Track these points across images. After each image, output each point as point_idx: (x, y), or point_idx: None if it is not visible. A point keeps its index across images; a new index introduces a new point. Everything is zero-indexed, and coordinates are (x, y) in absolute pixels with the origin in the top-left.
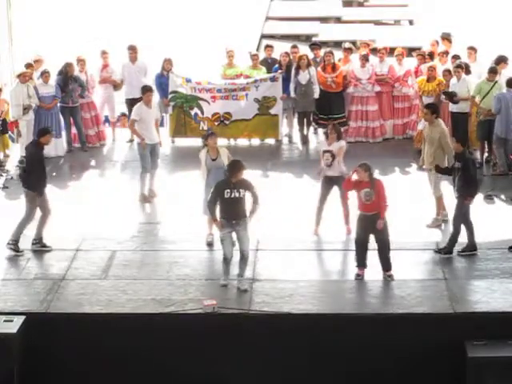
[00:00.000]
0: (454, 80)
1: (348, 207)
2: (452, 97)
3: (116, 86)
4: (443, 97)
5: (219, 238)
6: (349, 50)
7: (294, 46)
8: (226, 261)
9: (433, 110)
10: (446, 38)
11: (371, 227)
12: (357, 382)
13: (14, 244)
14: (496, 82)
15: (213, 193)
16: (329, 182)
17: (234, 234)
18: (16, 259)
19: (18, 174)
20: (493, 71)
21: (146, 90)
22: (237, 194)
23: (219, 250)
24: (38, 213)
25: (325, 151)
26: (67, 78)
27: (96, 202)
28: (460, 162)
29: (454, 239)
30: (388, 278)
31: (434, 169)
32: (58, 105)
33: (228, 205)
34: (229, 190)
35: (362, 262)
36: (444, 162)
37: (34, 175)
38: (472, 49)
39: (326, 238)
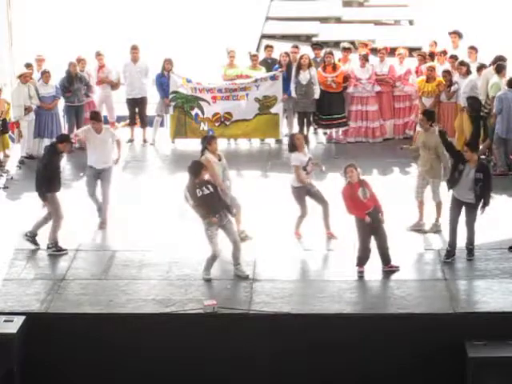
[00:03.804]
0: (458, 77)
1: (328, 211)
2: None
3: (113, 86)
4: (443, 96)
5: (207, 237)
6: (348, 50)
7: (295, 46)
8: (215, 258)
9: (428, 116)
10: (457, 34)
11: (371, 224)
12: (357, 382)
13: (55, 245)
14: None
15: (188, 197)
16: (305, 192)
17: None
18: (17, 260)
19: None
20: (503, 68)
21: (91, 117)
22: (207, 191)
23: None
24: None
25: (308, 161)
26: (72, 77)
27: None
28: (481, 172)
29: (473, 240)
30: (395, 269)
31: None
32: (63, 104)
33: (204, 202)
34: (199, 189)
35: (364, 261)
36: (441, 169)
37: (50, 179)
38: (473, 48)
39: (325, 238)
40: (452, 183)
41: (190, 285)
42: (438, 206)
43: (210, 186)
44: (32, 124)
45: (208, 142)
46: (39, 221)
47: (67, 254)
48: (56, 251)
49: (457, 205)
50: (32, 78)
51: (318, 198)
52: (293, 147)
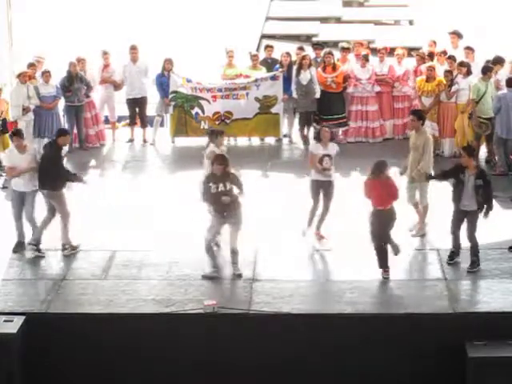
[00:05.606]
0: (459, 78)
1: (326, 216)
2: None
3: (116, 86)
4: (443, 96)
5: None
6: (347, 50)
7: (300, 48)
8: (210, 248)
9: (419, 116)
10: (457, 34)
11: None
12: (356, 382)
13: (70, 245)
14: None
15: (202, 189)
16: (320, 186)
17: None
18: (16, 260)
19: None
20: (488, 70)
21: (13, 134)
22: (223, 188)
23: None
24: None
25: (324, 155)
26: (72, 77)
27: (96, 202)
28: (481, 179)
29: (477, 251)
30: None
31: (423, 177)
32: (63, 104)
33: (216, 199)
34: (213, 185)
35: (381, 263)
36: (430, 168)
37: (51, 175)
38: (469, 49)
39: (325, 238)
40: (457, 198)
41: (190, 285)
42: (425, 209)
43: (227, 184)
44: (31, 124)
45: (215, 135)
46: (40, 226)
47: (44, 257)
48: (72, 250)
49: (460, 214)
50: (35, 78)
51: (326, 199)
52: (317, 137)
